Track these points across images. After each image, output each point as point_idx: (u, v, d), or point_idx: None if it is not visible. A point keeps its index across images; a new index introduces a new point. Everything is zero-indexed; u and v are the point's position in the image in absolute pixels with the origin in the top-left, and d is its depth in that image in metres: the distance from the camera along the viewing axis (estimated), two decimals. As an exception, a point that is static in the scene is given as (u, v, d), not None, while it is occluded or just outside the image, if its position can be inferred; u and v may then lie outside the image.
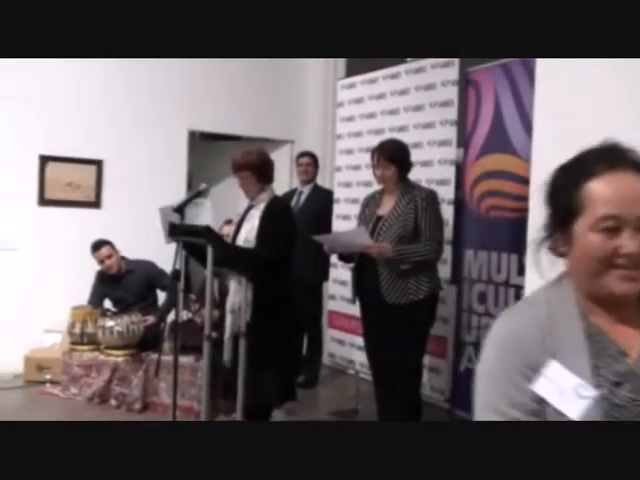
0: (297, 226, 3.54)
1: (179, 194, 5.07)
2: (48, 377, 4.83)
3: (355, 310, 3.77)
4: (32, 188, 5.25)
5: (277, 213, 3.41)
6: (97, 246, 4.84)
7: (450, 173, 3.92)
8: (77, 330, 4.68)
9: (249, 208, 3.49)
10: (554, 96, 2.11)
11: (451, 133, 3.91)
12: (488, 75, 3.68)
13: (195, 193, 3.44)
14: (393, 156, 3.43)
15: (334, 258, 4.28)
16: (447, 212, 3.82)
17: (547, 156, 2.14)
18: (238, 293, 3.30)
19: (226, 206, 3.75)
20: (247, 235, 3.36)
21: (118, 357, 4.52)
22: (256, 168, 3.43)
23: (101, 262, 4.85)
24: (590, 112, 2.00)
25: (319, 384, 5.20)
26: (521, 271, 3.37)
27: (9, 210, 5.14)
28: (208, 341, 3.20)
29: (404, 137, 3.84)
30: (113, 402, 4.49)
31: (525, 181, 3.19)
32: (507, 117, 3.56)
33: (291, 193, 5.29)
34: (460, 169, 3.92)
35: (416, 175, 3.78)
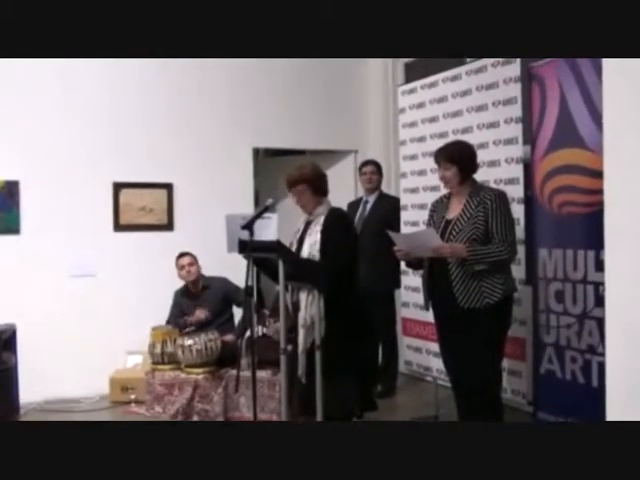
0: (357, 233, 3.55)
1: (247, 211, 5.16)
2: (133, 397, 4.97)
3: (430, 316, 3.73)
4: (107, 214, 5.44)
5: (337, 224, 3.42)
6: (182, 254, 5.07)
7: (518, 171, 3.85)
8: (157, 350, 4.80)
9: (308, 223, 3.50)
10: (623, 86, 2.05)
11: (516, 131, 3.84)
12: (552, 69, 3.60)
13: (262, 209, 3.49)
14: (452, 156, 3.39)
15: (404, 265, 4.26)
16: (518, 211, 3.75)
17: (619, 148, 2.08)
18: (310, 307, 3.31)
19: (293, 220, 3.79)
20: (310, 250, 3.37)
21: (198, 375, 4.61)
22: (311, 181, 3.45)
23: (181, 268, 5.00)
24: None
25: (397, 393, 5.16)
26: (599, 267, 3.27)
27: (87, 237, 5.33)
28: (284, 354, 3.23)
29: (468, 138, 3.80)
30: (196, 419, 4.58)
31: (598, 174, 3.10)
32: (574, 110, 3.47)
33: (357, 202, 5.30)
34: (528, 167, 3.84)
35: (483, 175, 3.73)
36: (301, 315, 3.32)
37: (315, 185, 3.46)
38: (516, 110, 3.84)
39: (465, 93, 4.19)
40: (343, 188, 6.01)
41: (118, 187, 5.45)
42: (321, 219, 3.43)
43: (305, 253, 3.39)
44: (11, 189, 5.12)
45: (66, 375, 5.03)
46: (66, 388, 5.02)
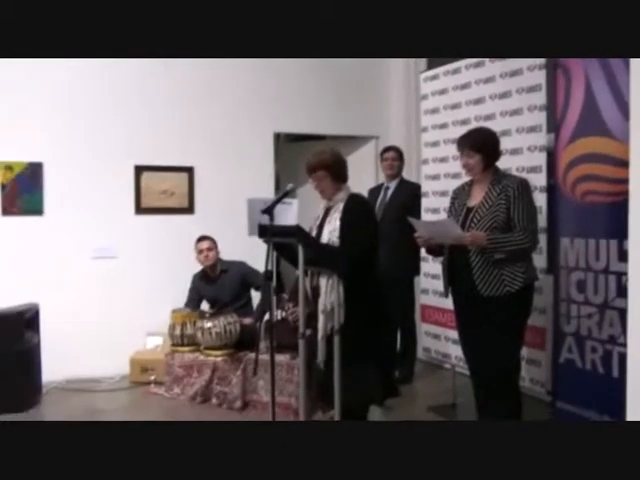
0: (377, 220, 3.61)
1: (268, 196, 5.17)
2: (152, 378, 5.03)
3: (449, 303, 3.73)
4: (129, 198, 5.48)
5: (357, 210, 3.40)
6: (201, 238, 5.11)
7: (541, 159, 3.82)
8: (177, 332, 4.85)
9: (328, 209, 3.50)
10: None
11: (540, 118, 3.80)
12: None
13: (282, 194, 3.48)
14: (475, 144, 3.37)
15: (424, 252, 4.25)
16: (540, 200, 3.72)
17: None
18: (330, 293, 3.32)
19: (313, 205, 3.79)
20: (330, 236, 3.36)
21: (217, 357, 4.65)
22: (331, 167, 3.43)
23: (200, 252, 5.05)
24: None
25: (415, 379, 5.17)
26: (622, 257, 3.24)
27: (109, 220, 5.38)
28: (303, 339, 3.24)
29: (491, 125, 3.77)
30: (214, 401, 4.62)
31: (623, 163, 3.06)
32: (600, 98, 3.42)
33: (378, 188, 5.28)
34: (551, 155, 3.80)
35: (506, 163, 3.70)
36: (321, 301, 3.32)
37: (334, 171, 3.44)
38: (540, 97, 3.80)
39: (488, 80, 4.16)
40: (364, 174, 6.00)
41: (140, 170, 5.49)
42: (341, 205, 3.42)
43: (325, 239, 3.39)
44: (35, 171, 5.18)
45: (87, 355, 5.12)
46: (87, 368, 5.11)
